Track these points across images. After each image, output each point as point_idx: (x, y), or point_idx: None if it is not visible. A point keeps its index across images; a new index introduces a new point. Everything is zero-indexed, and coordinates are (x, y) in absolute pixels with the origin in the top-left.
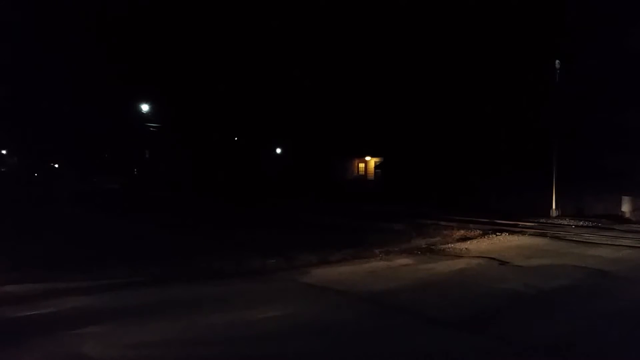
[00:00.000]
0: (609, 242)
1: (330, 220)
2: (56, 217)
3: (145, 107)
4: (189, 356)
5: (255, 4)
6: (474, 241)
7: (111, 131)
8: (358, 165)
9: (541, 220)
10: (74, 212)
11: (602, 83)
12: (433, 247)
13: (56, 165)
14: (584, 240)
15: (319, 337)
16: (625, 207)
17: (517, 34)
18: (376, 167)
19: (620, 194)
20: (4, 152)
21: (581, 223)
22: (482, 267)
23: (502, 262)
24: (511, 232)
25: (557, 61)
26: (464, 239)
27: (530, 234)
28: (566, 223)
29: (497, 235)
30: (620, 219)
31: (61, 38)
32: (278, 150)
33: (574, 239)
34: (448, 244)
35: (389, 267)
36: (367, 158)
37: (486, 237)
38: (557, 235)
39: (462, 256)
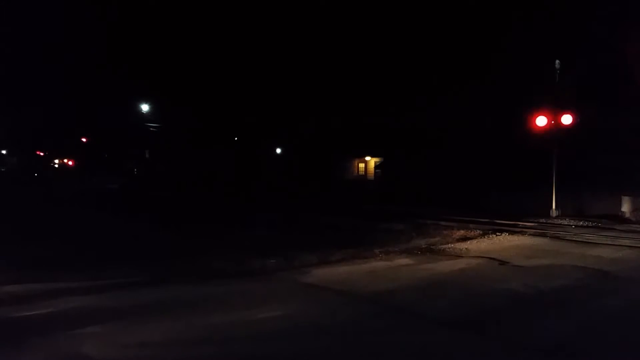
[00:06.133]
0: (609, 242)
1: (330, 220)
2: (56, 217)
3: (145, 107)
4: (189, 356)
5: (256, 4)
6: (474, 241)
7: (111, 131)
8: (358, 165)
9: (541, 220)
10: (74, 212)
11: (602, 83)
12: (433, 247)
13: (56, 165)
14: (584, 240)
15: (319, 337)
16: (625, 207)
17: (517, 34)
18: (376, 167)
19: (620, 194)
20: (4, 152)
21: (581, 223)
22: (482, 267)
23: (502, 262)
24: (511, 232)
25: (557, 61)
26: (464, 239)
27: (530, 234)
28: (566, 223)
29: (497, 235)
30: (620, 219)
31: (62, 38)
32: (278, 150)
33: (574, 239)
34: (448, 244)
35: (389, 267)
36: (367, 158)
37: (486, 237)
38: (557, 235)
39: (462, 256)
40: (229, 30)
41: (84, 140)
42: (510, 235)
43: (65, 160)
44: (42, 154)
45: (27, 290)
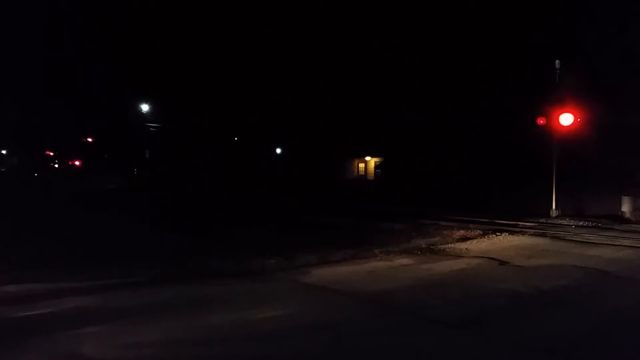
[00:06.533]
0: (609, 242)
1: (330, 220)
2: (55, 218)
3: (145, 107)
4: (189, 356)
5: (256, 4)
6: (474, 241)
7: (111, 131)
8: (358, 165)
9: (541, 220)
10: (74, 213)
11: (602, 83)
12: (433, 247)
13: (56, 166)
14: (584, 240)
15: (319, 337)
16: (625, 207)
17: (517, 34)
18: (376, 167)
19: (620, 194)
20: (4, 152)
21: (581, 223)
22: (482, 267)
23: (502, 262)
24: (511, 232)
25: (557, 61)
26: (464, 239)
27: (530, 234)
28: (566, 223)
29: (497, 236)
30: (620, 219)
31: (61, 38)
32: (278, 150)
33: (574, 239)
34: (448, 244)
35: (389, 267)
36: (367, 158)
37: (486, 237)
38: (557, 235)
39: (462, 256)
40: (229, 31)
41: (84, 140)
42: (510, 235)
43: (66, 160)
44: (42, 154)
45: (28, 290)
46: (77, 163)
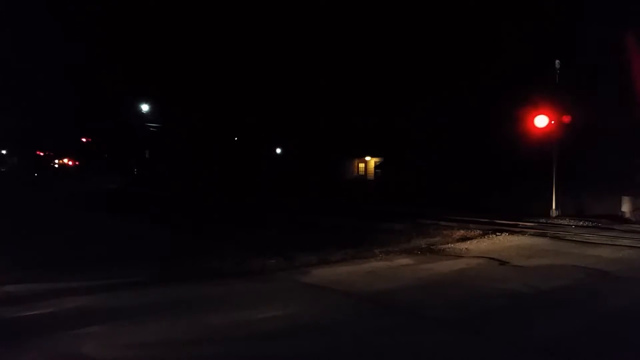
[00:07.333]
0: (609, 242)
1: (330, 220)
2: (56, 218)
3: (145, 107)
4: (189, 356)
5: (256, 4)
6: (474, 241)
7: (111, 131)
8: (358, 165)
9: (541, 220)
10: (74, 213)
11: (602, 83)
12: (433, 247)
13: (56, 166)
14: (584, 240)
15: (319, 337)
16: (625, 207)
17: (518, 34)
18: (376, 167)
19: (620, 194)
20: (4, 152)
21: (581, 223)
22: (482, 267)
23: (502, 262)
24: (511, 232)
25: (557, 61)
26: (464, 239)
27: (530, 234)
28: (566, 223)
29: (497, 235)
30: (620, 219)
31: (61, 38)
32: (278, 150)
33: (574, 239)
34: (448, 244)
35: (389, 267)
36: (367, 158)
37: (486, 237)
38: (557, 235)
39: (462, 256)
40: (229, 30)
41: (84, 140)
42: (510, 235)
43: (66, 160)
44: (42, 154)
45: (28, 290)
46: (77, 163)
